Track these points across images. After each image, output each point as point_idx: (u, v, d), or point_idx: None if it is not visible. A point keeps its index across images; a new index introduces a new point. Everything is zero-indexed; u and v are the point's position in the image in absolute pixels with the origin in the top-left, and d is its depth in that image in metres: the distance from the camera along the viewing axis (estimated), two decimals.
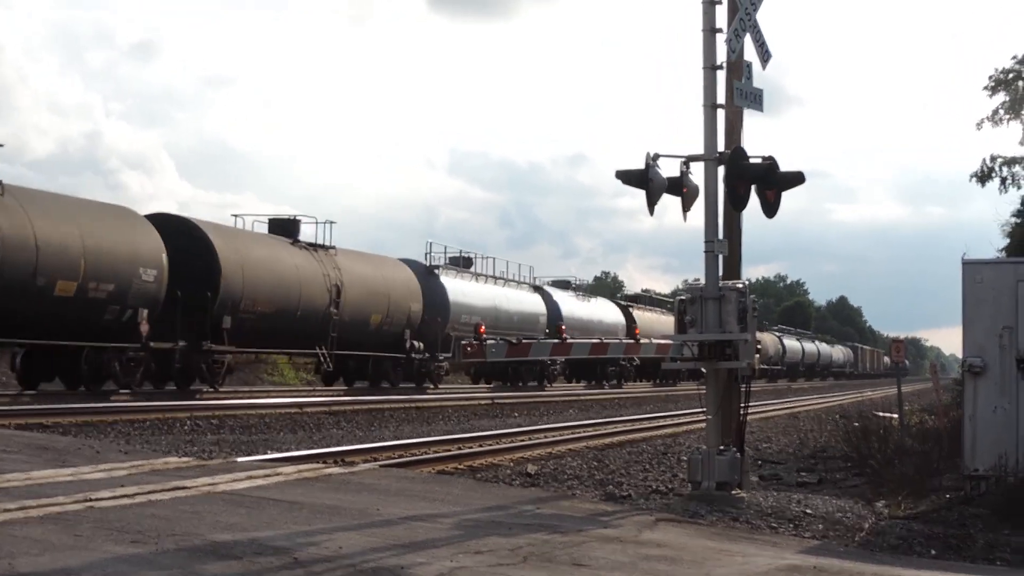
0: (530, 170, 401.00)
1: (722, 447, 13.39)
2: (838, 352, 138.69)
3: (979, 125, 35.21)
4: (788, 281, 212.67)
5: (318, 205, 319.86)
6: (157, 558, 7.10)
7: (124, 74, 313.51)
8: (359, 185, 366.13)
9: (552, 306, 56.70)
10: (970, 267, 15.41)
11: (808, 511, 13.42)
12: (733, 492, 13.24)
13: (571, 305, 59.43)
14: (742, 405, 13.96)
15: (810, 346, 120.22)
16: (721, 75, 13.66)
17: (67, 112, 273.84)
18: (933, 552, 11.91)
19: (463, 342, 12.55)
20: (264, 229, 38.67)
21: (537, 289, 58.02)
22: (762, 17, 13.92)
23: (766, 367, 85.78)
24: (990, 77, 34.49)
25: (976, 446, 15.07)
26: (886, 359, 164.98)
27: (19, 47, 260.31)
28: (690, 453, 14.52)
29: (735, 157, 13.49)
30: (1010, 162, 33.41)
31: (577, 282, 66.53)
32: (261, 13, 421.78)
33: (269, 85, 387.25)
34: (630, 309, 69.60)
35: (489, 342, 13.09)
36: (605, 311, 64.87)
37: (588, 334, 50.95)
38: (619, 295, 73.17)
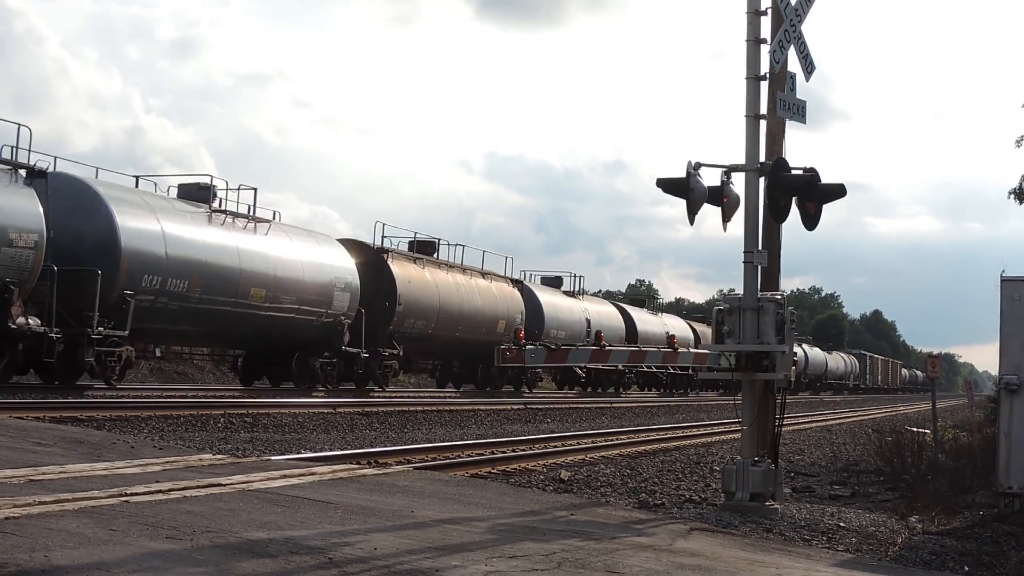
0: (567, 176, 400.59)
1: (756, 458, 13.36)
2: (836, 360, 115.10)
3: (1019, 142, 34.92)
4: (823, 294, 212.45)
5: (356, 205, 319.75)
6: (192, 554, 7.11)
7: (163, 69, 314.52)
8: (397, 186, 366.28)
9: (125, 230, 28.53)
10: (1009, 284, 15.31)
11: (841, 524, 13.36)
12: (767, 503, 13.20)
13: (209, 237, 32.04)
14: (777, 417, 13.92)
15: (795, 350, 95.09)
16: (764, 86, 13.62)
17: (107, 106, 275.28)
18: (966, 568, 11.88)
19: (502, 347, 12.52)
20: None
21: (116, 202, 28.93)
22: (807, 30, 13.91)
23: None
24: None
25: (1011, 464, 14.98)
26: (904, 371, 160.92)
27: (58, 40, 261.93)
28: (724, 464, 14.48)
29: (777, 168, 13.44)
30: None
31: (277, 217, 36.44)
32: (301, 13, 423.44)
33: (308, 85, 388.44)
34: (386, 258, 40.69)
35: (528, 347, 13.09)
36: (314, 256, 36.70)
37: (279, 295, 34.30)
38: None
